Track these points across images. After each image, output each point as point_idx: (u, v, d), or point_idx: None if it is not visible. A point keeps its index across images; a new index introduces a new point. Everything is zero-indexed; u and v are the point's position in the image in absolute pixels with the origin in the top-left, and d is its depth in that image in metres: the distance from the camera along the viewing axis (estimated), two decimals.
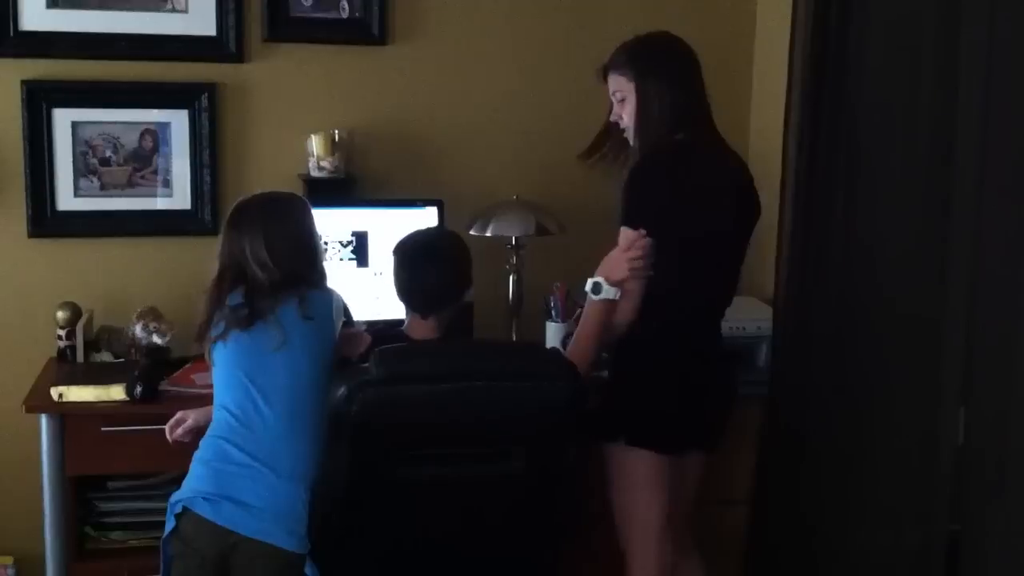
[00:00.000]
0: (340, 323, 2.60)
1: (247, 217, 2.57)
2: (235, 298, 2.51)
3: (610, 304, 2.64)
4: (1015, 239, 2.45)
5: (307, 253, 2.60)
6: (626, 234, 2.64)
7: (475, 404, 2.42)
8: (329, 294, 2.61)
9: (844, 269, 2.98)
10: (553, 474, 2.54)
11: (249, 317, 2.49)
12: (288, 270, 2.52)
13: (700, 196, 2.67)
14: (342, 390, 2.35)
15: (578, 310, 3.30)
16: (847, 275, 2.97)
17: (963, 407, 2.62)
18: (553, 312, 3.30)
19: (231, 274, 2.53)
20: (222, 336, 2.50)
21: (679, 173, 2.67)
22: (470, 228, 3.31)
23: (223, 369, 2.52)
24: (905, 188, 2.79)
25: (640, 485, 2.74)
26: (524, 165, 3.55)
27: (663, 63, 2.72)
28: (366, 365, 2.41)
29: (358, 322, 2.87)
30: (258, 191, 2.69)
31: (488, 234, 3.29)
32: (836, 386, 2.98)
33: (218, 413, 2.52)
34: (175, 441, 2.70)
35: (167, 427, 2.71)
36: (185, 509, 2.46)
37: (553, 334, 3.29)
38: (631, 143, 2.77)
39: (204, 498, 2.45)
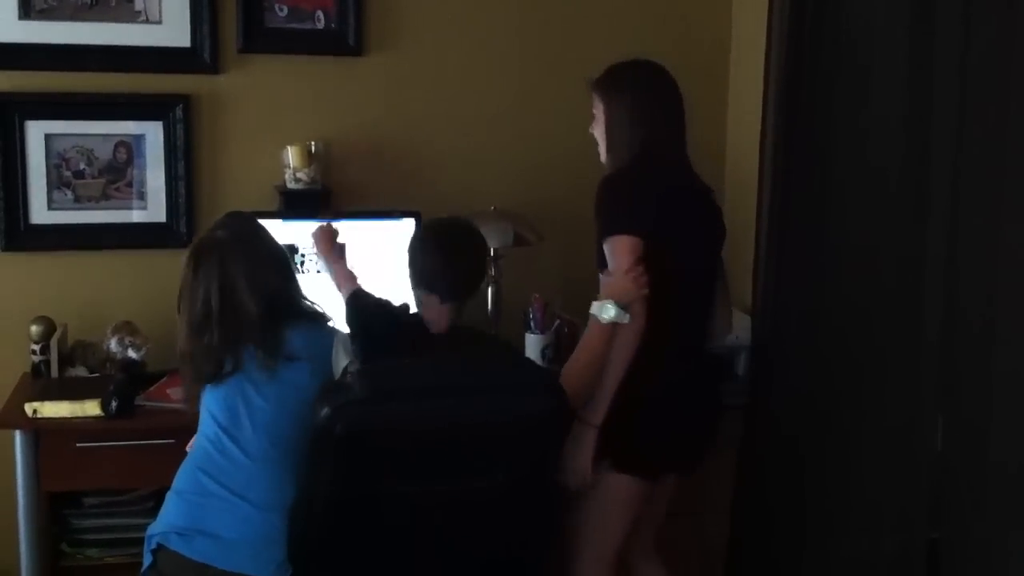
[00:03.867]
0: (344, 363, 2.56)
1: (221, 250, 2.51)
2: (222, 340, 2.47)
3: (613, 327, 2.61)
4: (991, 246, 2.46)
5: (288, 277, 2.58)
6: (618, 243, 2.63)
7: (458, 418, 2.39)
8: (329, 333, 2.57)
9: (821, 278, 2.99)
10: (536, 483, 2.52)
11: (236, 360, 2.46)
12: (274, 299, 2.50)
13: (669, 200, 2.69)
14: (325, 410, 2.31)
15: (557, 321, 3.32)
16: (824, 284, 2.98)
17: (940, 415, 2.63)
18: (532, 323, 3.29)
19: (215, 313, 2.46)
20: (215, 380, 2.47)
21: (647, 179, 2.69)
22: None
23: (212, 402, 2.49)
24: (881, 197, 2.79)
25: (617, 510, 2.74)
26: (502, 175, 3.55)
27: (630, 91, 2.75)
28: (348, 383, 2.38)
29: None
30: (223, 216, 2.70)
31: None
32: (815, 395, 2.99)
33: (200, 440, 2.50)
34: None
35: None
36: (160, 545, 2.45)
37: (531, 345, 3.28)
38: (602, 159, 2.80)
39: (177, 533, 2.43)
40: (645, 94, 2.74)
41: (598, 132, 2.79)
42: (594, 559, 2.79)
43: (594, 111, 2.79)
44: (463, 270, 2.64)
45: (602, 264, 2.72)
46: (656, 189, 2.68)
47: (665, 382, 2.70)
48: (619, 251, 2.63)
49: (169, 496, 2.50)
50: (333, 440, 2.31)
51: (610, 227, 2.66)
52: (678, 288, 2.69)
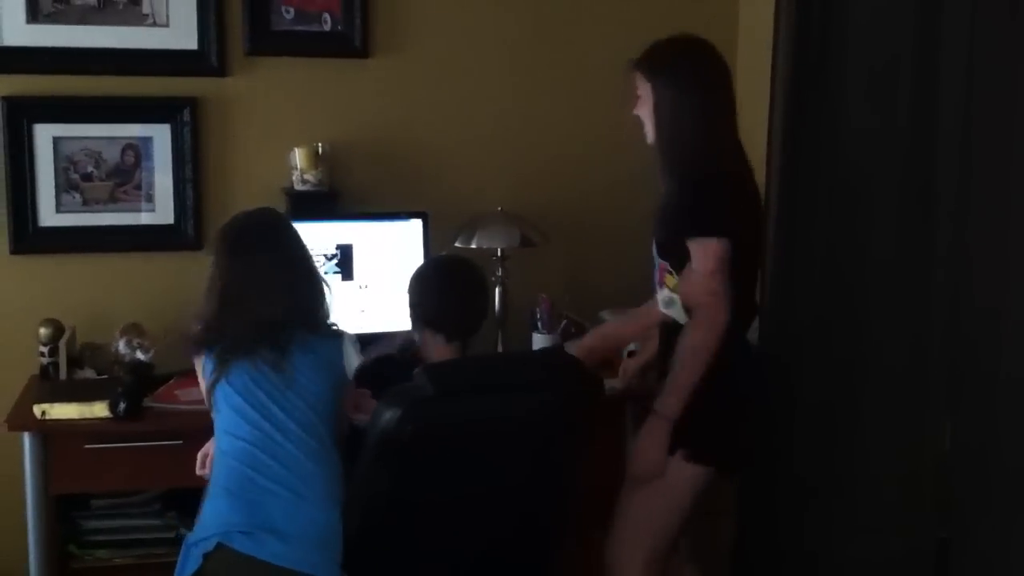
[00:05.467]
0: (356, 362, 2.56)
1: (249, 241, 2.52)
2: (235, 329, 2.46)
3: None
4: (999, 247, 2.46)
5: (315, 282, 2.56)
6: (708, 245, 2.58)
7: (517, 411, 2.42)
8: (337, 337, 2.55)
9: (829, 281, 2.99)
10: (574, 475, 2.56)
11: (252, 352, 2.43)
12: (296, 300, 2.49)
13: (755, 206, 2.74)
14: (392, 412, 2.30)
15: (564, 322, 3.33)
16: (832, 287, 2.98)
17: (948, 415, 2.63)
18: (539, 324, 3.29)
19: (232, 301, 2.46)
20: (224, 375, 2.44)
21: (741, 185, 2.69)
22: (455, 240, 3.31)
23: (232, 400, 2.44)
24: (888, 200, 2.79)
25: (684, 503, 2.69)
26: (508, 176, 3.55)
27: (678, 66, 2.69)
28: (413, 384, 2.36)
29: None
30: (249, 208, 2.69)
31: (473, 246, 3.29)
32: (822, 397, 2.98)
33: (229, 442, 2.43)
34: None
35: (200, 464, 2.62)
36: (219, 545, 2.32)
37: (539, 345, 3.28)
38: (648, 140, 2.74)
39: (241, 532, 2.32)
40: (696, 75, 2.68)
41: (644, 113, 2.71)
42: (654, 549, 2.73)
43: (638, 92, 2.71)
44: (469, 309, 2.66)
45: (665, 255, 2.71)
46: (750, 195, 2.70)
47: (745, 373, 2.70)
48: (708, 254, 2.58)
49: (216, 497, 2.40)
50: (402, 441, 2.30)
51: (704, 227, 2.60)
52: (753, 277, 2.77)
